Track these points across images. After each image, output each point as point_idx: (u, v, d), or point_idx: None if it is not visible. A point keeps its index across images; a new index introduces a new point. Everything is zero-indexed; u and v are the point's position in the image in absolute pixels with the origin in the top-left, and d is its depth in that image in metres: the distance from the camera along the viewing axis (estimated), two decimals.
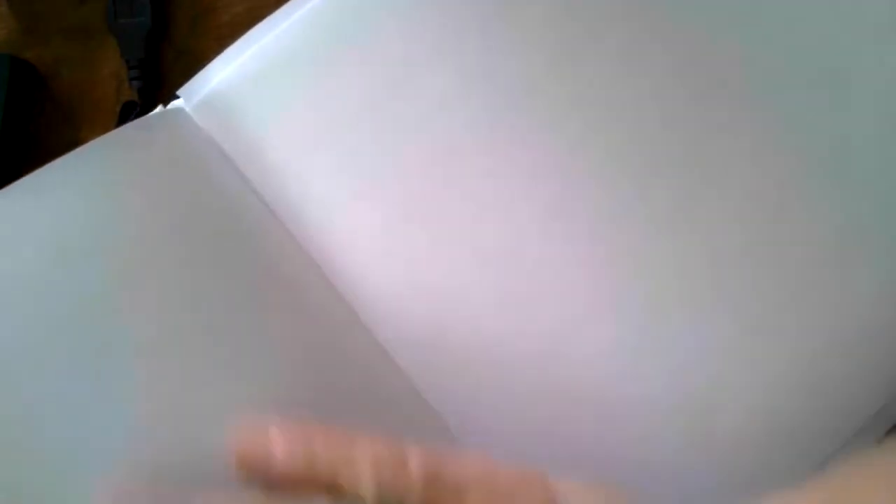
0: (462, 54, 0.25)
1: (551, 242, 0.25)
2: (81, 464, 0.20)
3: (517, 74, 0.25)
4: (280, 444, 0.16)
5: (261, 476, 0.17)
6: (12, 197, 0.23)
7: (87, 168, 0.24)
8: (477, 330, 0.25)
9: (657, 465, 0.24)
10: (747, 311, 0.25)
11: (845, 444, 0.24)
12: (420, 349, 0.25)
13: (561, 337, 0.25)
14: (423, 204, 0.25)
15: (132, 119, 0.31)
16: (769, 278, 0.25)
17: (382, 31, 0.25)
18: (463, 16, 0.25)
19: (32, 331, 0.21)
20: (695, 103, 0.25)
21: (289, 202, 0.25)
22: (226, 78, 0.25)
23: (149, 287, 0.22)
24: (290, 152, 0.25)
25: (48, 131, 0.32)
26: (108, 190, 0.24)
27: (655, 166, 0.25)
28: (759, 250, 0.25)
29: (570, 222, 0.25)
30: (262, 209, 0.25)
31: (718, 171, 0.25)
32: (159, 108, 0.25)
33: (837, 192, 0.25)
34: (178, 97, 0.26)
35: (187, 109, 0.25)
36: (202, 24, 0.33)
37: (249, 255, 0.24)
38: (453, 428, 0.25)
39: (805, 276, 0.25)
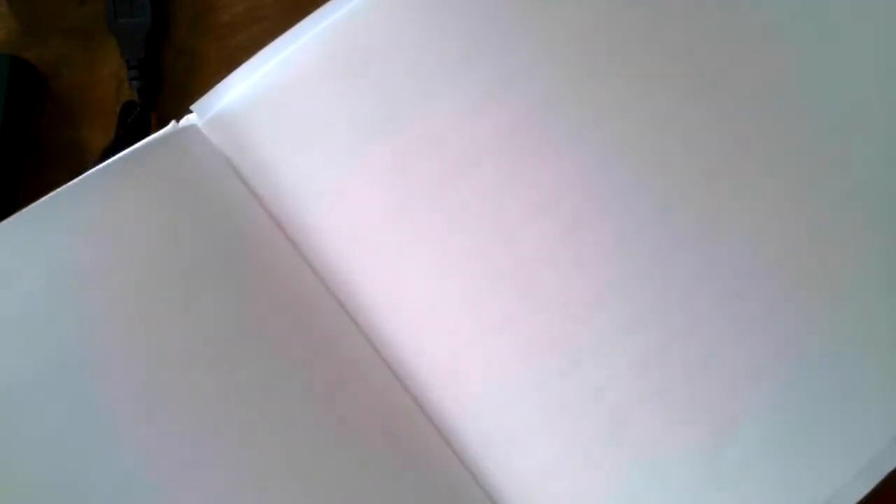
0: (481, 70, 0.25)
1: (557, 266, 0.25)
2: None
3: (539, 91, 0.25)
4: None
5: None
6: (13, 229, 0.23)
7: (93, 198, 0.23)
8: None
9: None
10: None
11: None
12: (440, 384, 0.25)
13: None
14: (436, 226, 0.25)
15: (132, 119, 0.31)
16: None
17: (395, 49, 0.25)
18: (484, 31, 0.25)
19: (24, 370, 0.22)
20: (717, 123, 0.25)
21: (300, 221, 0.25)
22: (240, 95, 0.25)
23: (150, 331, 0.23)
24: (303, 172, 0.25)
25: (48, 131, 0.32)
26: (112, 223, 0.23)
27: (677, 187, 0.25)
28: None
29: (583, 245, 0.25)
30: (272, 228, 0.25)
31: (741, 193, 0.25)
32: (172, 126, 0.25)
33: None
34: (190, 111, 0.26)
35: (199, 125, 0.25)
36: (202, 24, 0.33)
37: (259, 282, 0.24)
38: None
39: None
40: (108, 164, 0.23)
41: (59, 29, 0.33)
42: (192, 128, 0.25)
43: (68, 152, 0.32)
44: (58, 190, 0.23)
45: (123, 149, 0.30)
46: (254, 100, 0.25)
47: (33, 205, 0.23)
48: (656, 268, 0.25)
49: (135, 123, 0.31)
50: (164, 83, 0.33)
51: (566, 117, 0.25)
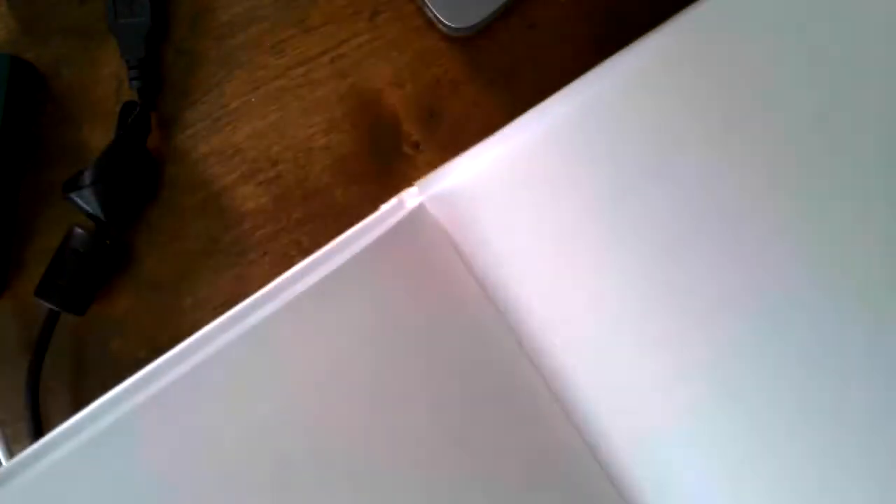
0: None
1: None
2: None
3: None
4: None
5: None
6: (305, 305, 0.25)
7: (363, 282, 0.26)
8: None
9: None
10: None
11: None
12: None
13: None
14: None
15: (132, 119, 0.31)
16: None
17: (600, 154, 0.27)
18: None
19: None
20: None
21: (509, 297, 0.27)
22: (466, 178, 0.27)
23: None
24: (516, 257, 0.27)
25: (48, 131, 0.32)
26: (379, 309, 0.26)
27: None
28: None
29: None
30: (487, 306, 0.27)
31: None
32: (396, 202, 0.27)
33: None
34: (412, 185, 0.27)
35: (423, 199, 0.27)
36: (202, 24, 0.33)
37: (481, 357, 0.27)
38: None
39: None
40: (360, 257, 0.26)
41: (59, 29, 0.33)
42: (420, 206, 0.27)
43: (68, 152, 0.32)
44: (330, 273, 0.25)
45: (123, 149, 0.30)
46: (478, 184, 0.27)
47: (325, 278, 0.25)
48: None
49: (135, 123, 0.31)
50: (164, 83, 0.33)
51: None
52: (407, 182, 0.28)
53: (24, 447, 0.24)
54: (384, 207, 0.27)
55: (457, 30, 0.31)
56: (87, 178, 0.29)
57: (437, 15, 0.31)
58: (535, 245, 0.27)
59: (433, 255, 0.27)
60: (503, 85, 0.32)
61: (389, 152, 0.32)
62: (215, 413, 0.25)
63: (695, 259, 0.27)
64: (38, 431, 0.29)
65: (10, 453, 0.29)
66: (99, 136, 0.32)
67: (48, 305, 0.30)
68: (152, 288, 0.32)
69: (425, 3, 0.31)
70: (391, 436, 0.26)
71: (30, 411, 0.29)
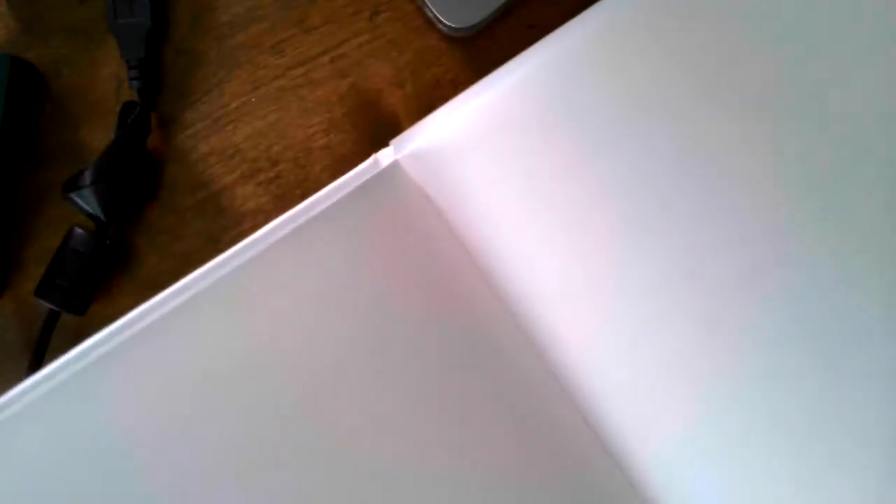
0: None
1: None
2: None
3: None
4: None
5: None
6: (281, 249, 0.26)
7: (339, 228, 0.27)
8: None
9: None
10: None
11: None
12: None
13: None
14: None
15: (132, 119, 0.31)
16: None
17: (583, 106, 0.27)
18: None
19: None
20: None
21: (487, 249, 0.27)
22: (439, 135, 0.27)
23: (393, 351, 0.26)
24: (498, 212, 0.27)
25: (48, 131, 0.32)
26: (356, 253, 0.27)
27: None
28: None
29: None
30: (463, 253, 0.28)
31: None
32: (373, 162, 0.27)
33: None
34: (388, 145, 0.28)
35: (398, 157, 0.27)
36: (202, 23, 0.33)
37: (454, 308, 0.27)
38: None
39: None
40: (335, 206, 0.26)
41: (59, 29, 0.33)
42: (394, 163, 0.27)
43: (68, 152, 0.32)
44: (301, 222, 0.26)
45: (123, 149, 0.30)
46: (452, 139, 0.27)
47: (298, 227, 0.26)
48: None
49: (135, 123, 0.31)
50: (164, 83, 0.33)
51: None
52: None
53: None
54: (359, 167, 0.27)
55: (457, 30, 0.31)
56: (87, 178, 0.29)
57: (437, 15, 0.31)
58: (508, 199, 0.27)
59: (409, 211, 0.28)
60: None
61: None
62: (180, 360, 0.25)
63: (673, 209, 0.27)
64: None
65: None
66: (99, 136, 0.32)
67: (48, 305, 0.30)
68: (152, 288, 0.32)
69: (425, 3, 0.31)
70: (361, 380, 0.26)
71: None
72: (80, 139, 0.32)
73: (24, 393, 0.24)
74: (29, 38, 0.33)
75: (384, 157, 0.27)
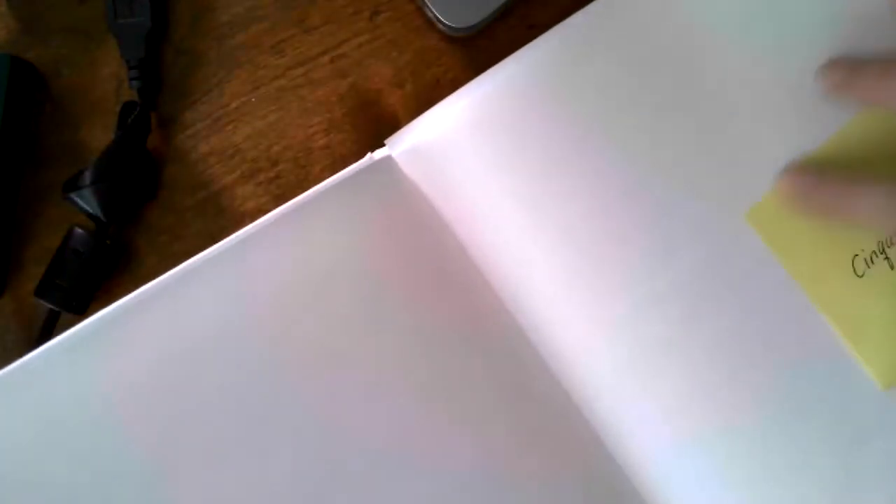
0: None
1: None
2: None
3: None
4: None
5: None
6: (274, 234, 0.27)
7: (333, 212, 0.28)
8: None
9: None
10: None
11: None
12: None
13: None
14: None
15: (132, 119, 0.31)
16: None
17: (560, 106, 0.29)
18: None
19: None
20: None
21: (482, 244, 0.29)
22: (432, 132, 0.29)
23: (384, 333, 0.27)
24: (487, 204, 0.28)
25: (48, 131, 0.32)
26: (351, 237, 0.28)
27: None
28: None
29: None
30: (458, 248, 0.29)
31: None
32: (368, 158, 0.28)
33: None
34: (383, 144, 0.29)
35: (392, 154, 0.29)
36: (202, 24, 0.33)
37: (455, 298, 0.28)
38: None
39: None
40: (328, 193, 0.27)
41: (58, 29, 0.33)
42: (388, 158, 0.28)
43: (68, 152, 0.32)
44: (304, 206, 0.27)
45: (123, 149, 0.30)
46: (443, 137, 0.28)
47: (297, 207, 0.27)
48: None
49: (135, 123, 0.31)
50: (164, 83, 0.33)
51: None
52: None
53: None
54: (354, 165, 0.28)
55: (457, 30, 0.31)
56: (87, 178, 0.29)
57: (437, 15, 0.31)
58: (496, 194, 0.28)
59: (403, 204, 0.29)
60: None
61: None
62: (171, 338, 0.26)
63: (641, 198, 0.29)
64: None
65: None
66: (99, 136, 0.32)
67: (48, 305, 0.30)
68: None
69: (425, 3, 0.31)
70: (357, 361, 0.27)
71: None
72: (80, 139, 0.32)
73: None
74: (29, 38, 0.33)
75: (378, 154, 0.28)
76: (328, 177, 0.32)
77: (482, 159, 0.28)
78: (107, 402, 0.25)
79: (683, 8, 0.29)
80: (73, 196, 0.30)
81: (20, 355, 0.31)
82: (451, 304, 0.28)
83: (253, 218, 0.32)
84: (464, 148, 0.28)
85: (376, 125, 0.32)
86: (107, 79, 0.33)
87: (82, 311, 0.31)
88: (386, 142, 0.29)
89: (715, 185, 0.29)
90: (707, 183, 0.29)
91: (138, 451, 0.25)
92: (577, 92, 0.29)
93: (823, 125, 0.29)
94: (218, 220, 0.32)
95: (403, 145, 0.29)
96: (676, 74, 0.29)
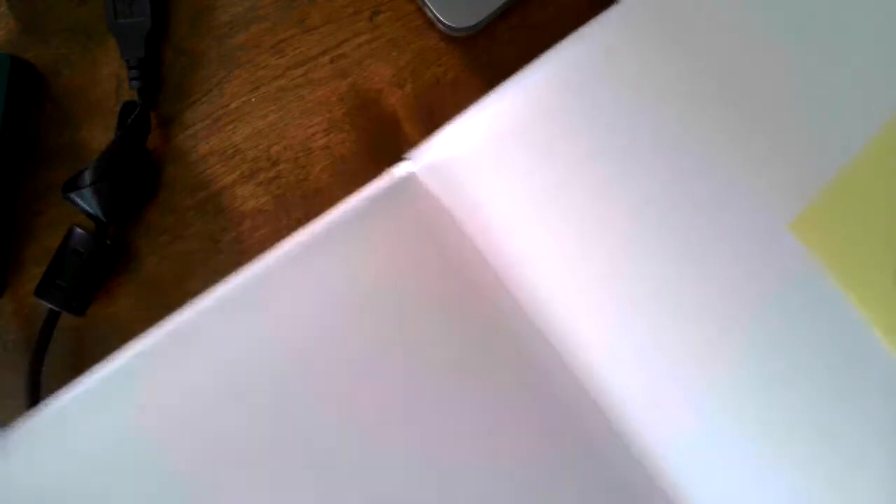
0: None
1: None
2: None
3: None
4: None
5: None
6: (303, 258, 0.27)
7: (352, 236, 0.28)
8: None
9: None
10: None
11: None
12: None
13: None
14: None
15: (132, 119, 0.31)
16: None
17: (584, 116, 0.28)
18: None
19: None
20: None
21: (506, 256, 0.28)
22: (454, 147, 0.28)
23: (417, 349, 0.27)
24: (512, 220, 0.28)
25: (48, 131, 0.32)
26: (369, 258, 0.28)
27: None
28: None
29: None
30: (482, 262, 0.28)
31: None
32: (389, 178, 0.28)
33: None
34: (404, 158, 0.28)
35: (415, 170, 0.28)
36: (202, 23, 0.33)
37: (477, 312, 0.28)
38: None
39: None
40: (354, 213, 0.27)
41: (59, 29, 0.33)
42: (411, 175, 0.28)
43: (68, 152, 0.32)
44: (330, 225, 0.27)
45: (123, 149, 0.30)
46: (465, 151, 0.28)
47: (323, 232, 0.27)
48: None
49: (135, 123, 0.31)
50: (164, 83, 0.33)
51: None
52: None
53: None
54: (375, 181, 0.28)
55: (457, 30, 0.31)
56: (87, 178, 0.29)
57: (437, 15, 0.31)
58: (521, 208, 0.28)
59: (427, 221, 0.28)
60: None
61: (389, 152, 0.32)
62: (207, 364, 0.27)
63: (679, 210, 0.28)
64: None
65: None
66: (99, 136, 0.32)
67: (48, 305, 0.30)
68: (152, 288, 0.32)
69: (425, 3, 0.31)
70: (388, 377, 0.27)
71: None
72: (80, 139, 0.32)
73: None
74: (29, 38, 0.33)
75: (401, 170, 0.28)
76: (328, 177, 0.32)
77: (506, 172, 0.28)
78: (147, 434, 0.26)
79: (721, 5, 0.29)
80: (73, 196, 0.30)
81: (20, 355, 0.31)
82: (477, 317, 0.28)
83: (253, 218, 0.32)
84: (487, 161, 0.28)
85: (376, 125, 0.32)
86: (107, 79, 0.33)
87: (82, 312, 0.31)
88: (407, 156, 0.28)
89: (752, 199, 0.28)
90: (743, 203, 0.28)
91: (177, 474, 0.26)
92: (604, 100, 0.28)
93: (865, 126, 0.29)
94: (218, 220, 0.32)
95: (426, 160, 0.28)
96: (717, 78, 0.29)
